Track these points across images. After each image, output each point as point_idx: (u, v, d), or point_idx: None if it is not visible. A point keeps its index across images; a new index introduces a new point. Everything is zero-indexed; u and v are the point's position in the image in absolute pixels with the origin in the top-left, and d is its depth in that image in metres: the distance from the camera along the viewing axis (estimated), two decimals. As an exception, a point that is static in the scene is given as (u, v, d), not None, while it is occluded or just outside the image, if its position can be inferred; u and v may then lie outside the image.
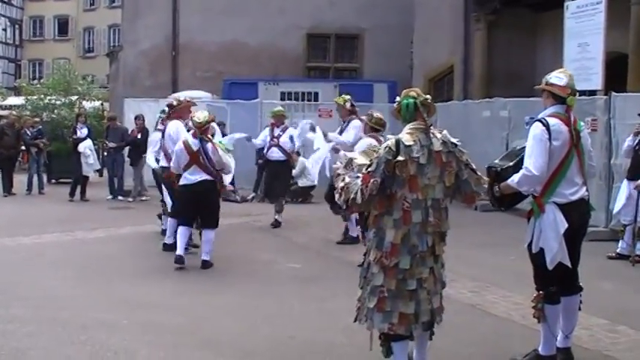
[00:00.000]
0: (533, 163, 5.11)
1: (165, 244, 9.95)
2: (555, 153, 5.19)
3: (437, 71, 21.02)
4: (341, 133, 11.04)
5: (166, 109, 10.57)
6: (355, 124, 10.76)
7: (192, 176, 8.95)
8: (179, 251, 8.92)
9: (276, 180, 12.96)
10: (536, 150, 5.14)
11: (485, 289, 7.93)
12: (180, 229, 9.05)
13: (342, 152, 4.99)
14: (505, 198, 5.43)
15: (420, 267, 4.62)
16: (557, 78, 5.40)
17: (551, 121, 5.22)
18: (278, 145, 12.85)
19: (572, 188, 5.29)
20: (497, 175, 5.40)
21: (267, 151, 13.05)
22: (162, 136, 10.20)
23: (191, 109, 10.20)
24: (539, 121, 5.25)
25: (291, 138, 12.72)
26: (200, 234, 9.27)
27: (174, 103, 10.23)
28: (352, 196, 4.58)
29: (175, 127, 9.83)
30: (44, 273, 8.78)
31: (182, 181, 9.09)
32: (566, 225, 5.18)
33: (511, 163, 5.39)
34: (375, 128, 9.18)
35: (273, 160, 12.96)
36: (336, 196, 4.78)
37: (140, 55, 24.57)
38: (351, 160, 4.78)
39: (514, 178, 5.22)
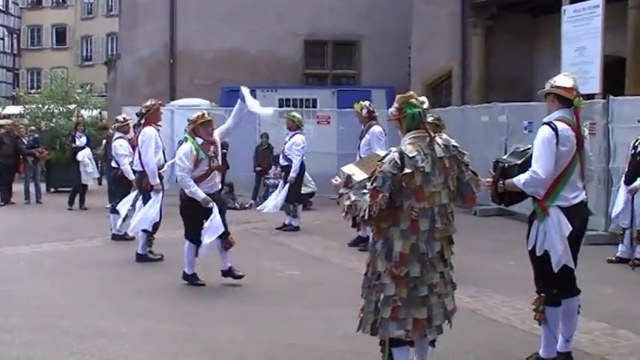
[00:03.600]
0: (541, 166, 5.15)
1: (139, 255, 9.90)
2: (561, 158, 5.23)
3: (435, 77, 21.02)
4: (360, 138, 10.92)
5: (122, 118, 11.89)
6: (374, 131, 10.72)
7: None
8: (192, 270, 8.46)
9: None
10: (544, 154, 5.17)
11: (485, 295, 7.91)
12: (191, 247, 8.43)
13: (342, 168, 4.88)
14: (507, 195, 5.46)
15: (430, 273, 4.60)
16: (562, 81, 5.43)
17: (560, 125, 5.24)
18: (282, 152, 12.92)
19: (575, 192, 5.33)
20: (504, 170, 5.43)
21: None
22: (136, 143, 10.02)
23: (161, 109, 10.19)
24: (549, 124, 5.27)
25: (292, 145, 12.72)
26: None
27: (143, 110, 9.82)
28: (362, 213, 4.51)
29: (153, 133, 9.74)
30: (43, 282, 8.77)
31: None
32: (571, 228, 5.21)
33: (518, 162, 5.41)
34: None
35: (283, 166, 13.09)
36: (342, 214, 4.69)
37: (138, 64, 24.58)
38: (349, 176, 4.72)
39: (520, 179, 5.25)
